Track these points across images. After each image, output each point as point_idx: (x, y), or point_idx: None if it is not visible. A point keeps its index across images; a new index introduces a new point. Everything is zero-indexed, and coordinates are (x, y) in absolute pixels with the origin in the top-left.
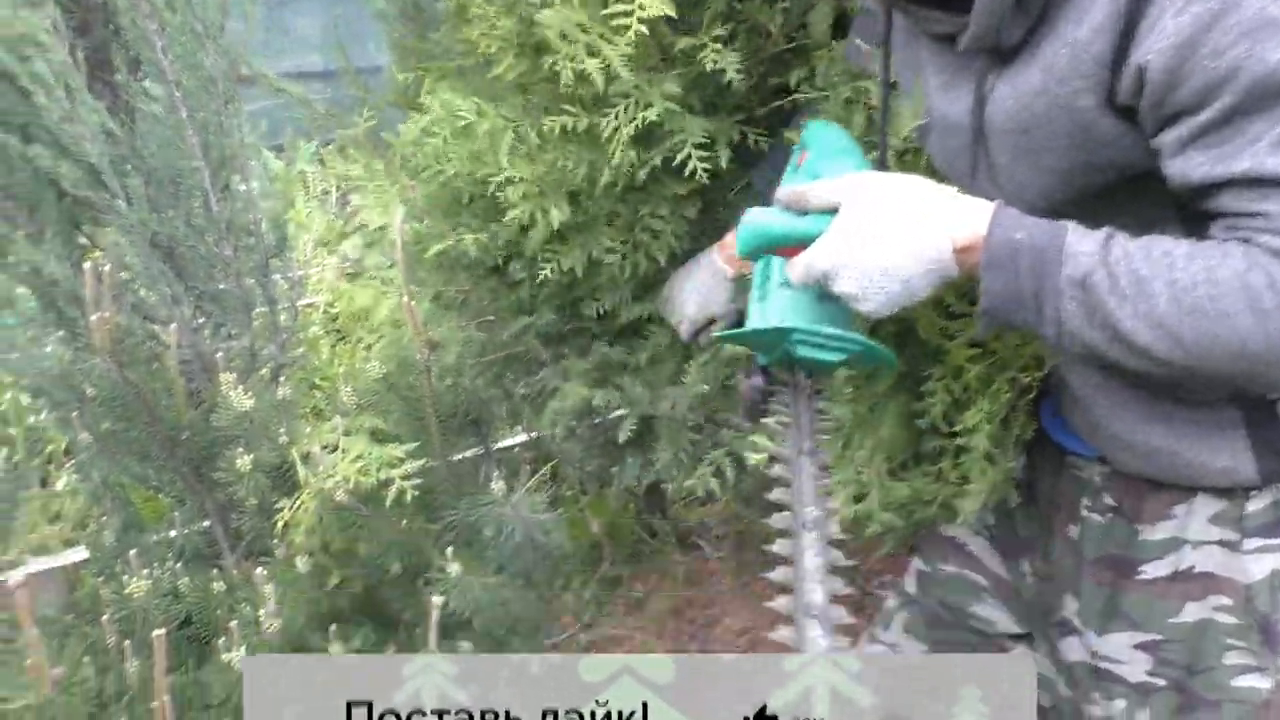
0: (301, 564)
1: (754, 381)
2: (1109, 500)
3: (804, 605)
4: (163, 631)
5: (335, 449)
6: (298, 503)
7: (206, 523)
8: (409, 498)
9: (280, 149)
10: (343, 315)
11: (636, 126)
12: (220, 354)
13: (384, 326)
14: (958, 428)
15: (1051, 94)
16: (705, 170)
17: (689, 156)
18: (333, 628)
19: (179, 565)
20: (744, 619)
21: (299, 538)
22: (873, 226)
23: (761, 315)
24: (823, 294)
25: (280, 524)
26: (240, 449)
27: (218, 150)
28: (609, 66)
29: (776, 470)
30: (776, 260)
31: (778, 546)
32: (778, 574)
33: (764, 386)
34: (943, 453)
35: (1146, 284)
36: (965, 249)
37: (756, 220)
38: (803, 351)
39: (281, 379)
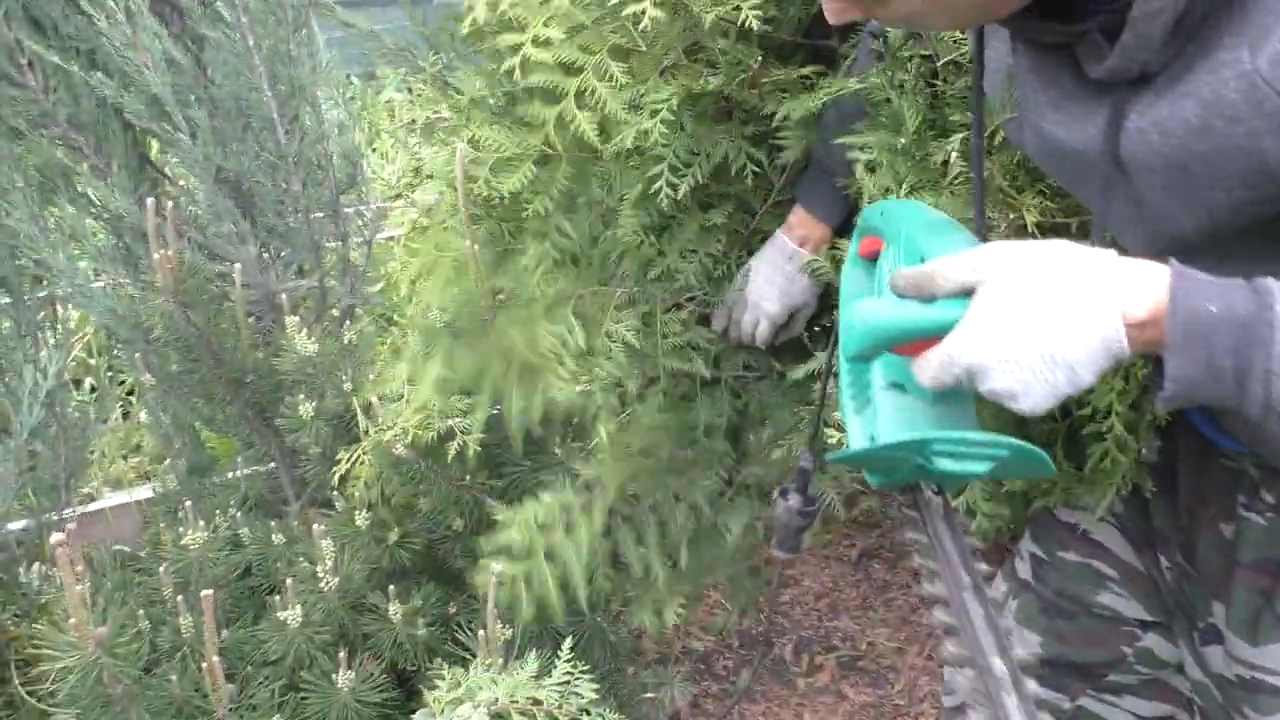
0: (360, 518)
1: (790, 504)
2: (1269, 498)
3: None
4: (210, 592)
5: (400, 398)
6: (356, 454)
7: (273, 465)
8: (472, 452)
9: (373, 75)
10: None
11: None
12: (285, 295)
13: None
14: (1084, 410)
15: (1218, 134)
16: (669, 196)
17: (659, 176)
18: (391, 588)
19: (239, 514)
20: (823, 581)
21: (358, 491)
22: (1026, 306)
23: (873, 429)
24: (939, 394)
25: (337, 476)
26: (302, 395)
27: (286, 80)
28: (602, 106)
29: (940, 616)
30: (878, 362)
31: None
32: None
33: (803, 509)
34: (1054, 436)
35: None
36: (1141, 325)
37: (872, 315)
38: (943, 465)
39: (351, 320)
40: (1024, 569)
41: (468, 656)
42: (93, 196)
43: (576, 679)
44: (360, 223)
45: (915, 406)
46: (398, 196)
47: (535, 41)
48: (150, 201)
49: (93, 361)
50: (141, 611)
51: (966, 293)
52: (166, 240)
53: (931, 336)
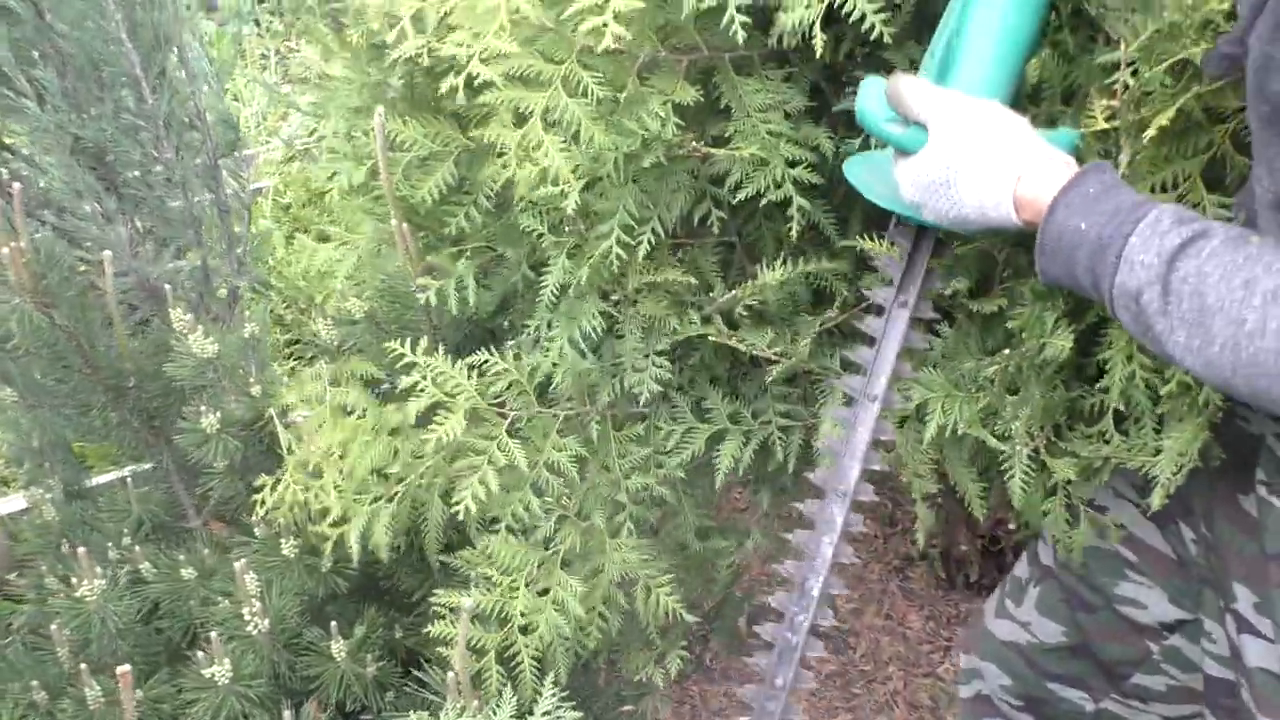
0: (288, 546)
1: None
2: None
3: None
4: (128, 668)
5: (319, 401)
6: (278, 480)
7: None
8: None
9: (213, 7)
10: (295, 203)
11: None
12: (169, 285)
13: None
14: (1168, 385)
15: None
16: (620, 258)
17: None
18: (334, 624)
19: (134, 544)
20: (768, 542)
21: (283, 516)
22: (949, 172)
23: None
24: None
25: (261, 507)
26: (203, 406)
27: (149, 27)
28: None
29: (868, 322)
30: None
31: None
32: (827, 441)
33: None
34: (1103, 408)
35: (1209, 316)
36: (1029, 222)
37: (861, 102)
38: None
39: (236, 303)
40: (1046, 554)
41: (427, 695)
42: None
43: (559, 711)
44: (238, 188)
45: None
46: (267, 119)
47: (485, 57)
48: None
49: None
50: (36, 683)
51: (920, 125)
52: (16, 228)
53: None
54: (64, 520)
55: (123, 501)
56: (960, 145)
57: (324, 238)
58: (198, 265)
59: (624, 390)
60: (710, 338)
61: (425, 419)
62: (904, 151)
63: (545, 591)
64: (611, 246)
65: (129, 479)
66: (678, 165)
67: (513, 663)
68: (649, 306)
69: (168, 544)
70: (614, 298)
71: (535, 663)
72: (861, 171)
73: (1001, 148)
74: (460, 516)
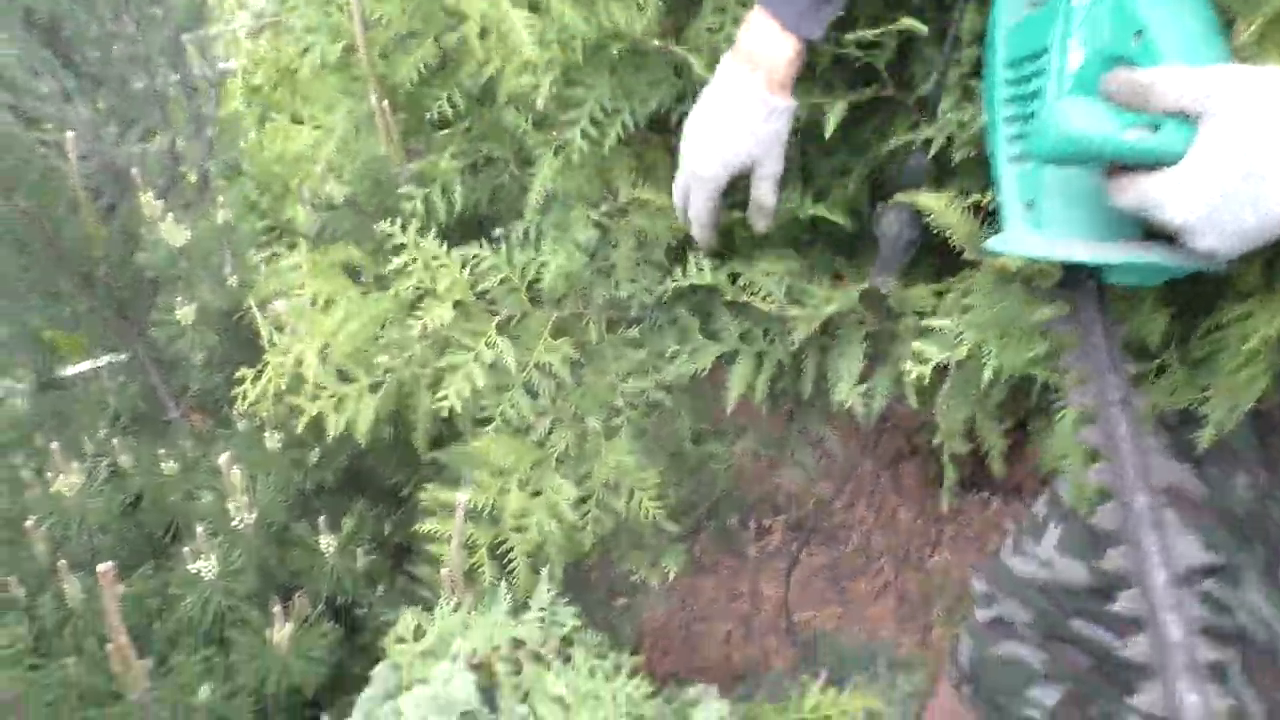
0: (271, 440)
1: (900, 215)
2: None
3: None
4: (110, 565)
5: (298, 291)
6: (260, 371)
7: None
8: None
9: None
10: (267, 84)
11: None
12: (135, 169)
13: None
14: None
15: None
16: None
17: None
18: (321, 519)
19: (112, 437)
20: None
21: (265, 409)
22: (1260, 158)
23: (1035, 194)
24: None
25: (243, 399)
26: (179, 297)
27: None
28: None
29: (1086, 434)
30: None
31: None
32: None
33: (915, 217)
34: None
35: None
36: None
37: (1072, 121)
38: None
39: (208, 188)
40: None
41: (418, 589)
42: None
43: (554, 606)
44: (205, 65)
45: (1076, 186)
46: (259, 32)
47: None
48: None
49: None
50: (14, 579)
51: (1186, 116)
52: None
53: (1137, 161)
54: (36, 412)
55: (98, 393)
56: (1273, 119)
57: (297, 119)
58: (165, 148)
59: (617, 296)
60: (725, 295)
61: (412, 308)
62: (1153, 164)
63: (539, 493)
64: (575, 137)
65: (104, 370)
66: (655, 57)
67: (505, 559)
68: (639, 221)
69: (147, 436)
70: (603, 208)
71: (528, 559)
72: (1031, 240)
73: None
74: (445, 415)
